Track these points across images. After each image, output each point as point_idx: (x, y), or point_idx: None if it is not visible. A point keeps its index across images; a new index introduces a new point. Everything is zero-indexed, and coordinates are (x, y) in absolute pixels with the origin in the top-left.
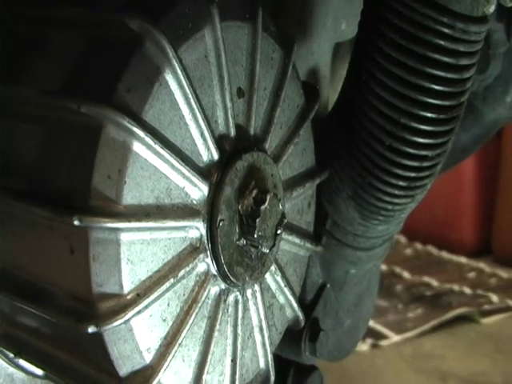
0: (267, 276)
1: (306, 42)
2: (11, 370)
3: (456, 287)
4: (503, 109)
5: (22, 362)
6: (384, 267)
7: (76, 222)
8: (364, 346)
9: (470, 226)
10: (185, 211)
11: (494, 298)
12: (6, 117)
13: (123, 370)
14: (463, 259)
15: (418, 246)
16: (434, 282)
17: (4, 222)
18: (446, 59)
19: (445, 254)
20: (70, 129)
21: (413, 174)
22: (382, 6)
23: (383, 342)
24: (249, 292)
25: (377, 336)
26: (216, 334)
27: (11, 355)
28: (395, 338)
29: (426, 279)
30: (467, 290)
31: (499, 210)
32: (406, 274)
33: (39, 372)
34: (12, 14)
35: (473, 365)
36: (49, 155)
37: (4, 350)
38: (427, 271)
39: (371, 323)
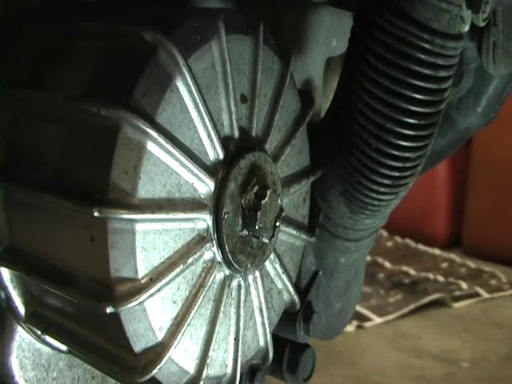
0: (267, 263)
1: (301, 56)
2: (39, 345)
3: (431, 275)
4: (474, 118)
5: (48, 339)
6: (368, 258)
7: (96, 213)
8: (350, 327)
9: (442, 222)
10: (193, 204)
11: (464, 285)
12: (34, 118)
13: (138, 346)
14: (437, 251)
15: (398, 239)
16: (412, 271)
17: (31, 212)
18: (426, 71)
19: (421, 246)
20: (90, 129)
21: (397, 174)
22: (370, 24)
23: (367, 324)
24: (250, 278)
25: (361, 318)
26: (221, 315)
27: (39, 332)
28: (378, 320)
29: (405, 268)
30: (440, 278)
31: (468, 207)
32: (387, 264)
33: (63, 347)
34: (41, 27)
35: (445, 343)
36: (72, 153)
37: (32, 328)
38: (405, 261)
39: (357, 307)
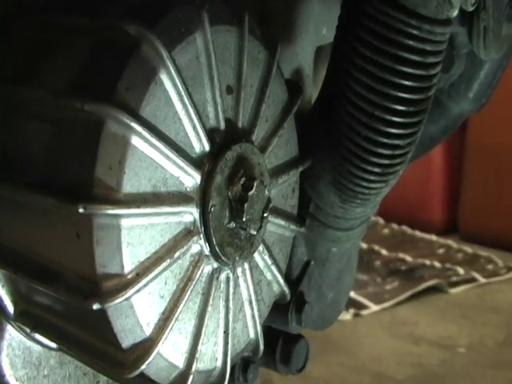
0: (255, 255)
1: (290, 45)
2: (29, 343)
3: (427, 262)
4: (466, 103)
5: (38, 336)
6: (364, 245)
7: (81, 210)
8: (347, 315)
9: (439, 208)
10: (179, 198)
11: (461, 270)
12: (18, 115)
13: (126, 342)
14: (433, 237)
15: (394, 226)
16: (408, 258)
17: (17, 210)
18: (414, 58)
19: (417, 233)
20: (75, 125)
21: (386, 162)
22: (357, 11)
23: (364, 312)
24: (239, 270)
25: (358, 306)
26: (209, 308)
27: (28, 330)
28: (374, 307)
29: (401, 255)
30: (437, 264)
31: (464, 193)
32: (384, 251)
33: (53, 345)
34: (25, 21)
35: (442, 330)
36: (57, 149)
37: (22, 326)
38: (402, 248)
39: (353, 295)
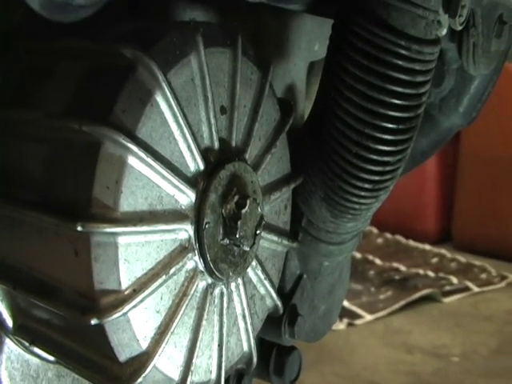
0: (249, 270)
1: (283, 61)
2: (27, 356)
3: (421, 271)
4: (456, 117)
5: (37, 350)
6: (358, 255)
7: (79, 228)
8: (341, 325)
9: (432, 218)
10: (175, 216)
11: (454, 279)
12: (18, 136)
13: (123, 356)
14: (427, 246)
15: (388, 235)
16: (402, 267)
17: (16, 228)
18: (403, 77)
19: (411, 243)
20: (72, 146)
21: (377, 178)
22: (348, 31)
23: (358, 321)
24: (233, 285)
25: (352, 316)
26: (204, 322)
27: (27, 344)
28: (368, 317)
29: (395, 265)
30: (431, 274)
31: (458, 203)
32: (378, 261)
33: (51, 358)
34: (22, 46)
35: (435, 338)
36: (54, 169)
37: (20, 339)
38: (396, 258)
39: (347, 304)
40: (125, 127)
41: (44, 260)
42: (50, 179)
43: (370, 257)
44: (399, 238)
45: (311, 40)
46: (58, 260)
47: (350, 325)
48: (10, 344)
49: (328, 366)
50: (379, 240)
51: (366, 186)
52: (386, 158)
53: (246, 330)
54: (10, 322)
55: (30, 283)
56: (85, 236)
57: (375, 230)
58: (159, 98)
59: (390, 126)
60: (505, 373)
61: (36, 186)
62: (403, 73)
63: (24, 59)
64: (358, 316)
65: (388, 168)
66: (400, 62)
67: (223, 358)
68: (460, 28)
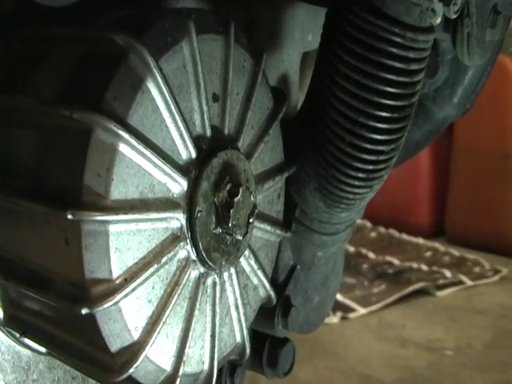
0: (242, 260)
1: (276, 51)
2: (18, 348)
3: (414, 265)
4: (451, 108)
5: (28, 341)
6: (351, 249)
7: (70, 216)
8: (334, 319)
9: (426, 211)
10: (166, 204)
11: (448, 273)
12: (8, 123)
13: (114, 346)
14: (420, 240)
15: (381, 229)
16: (396, 261)
17: (7, 217)
18: (397, 65)
19: (404, 236)
20: (63, 133)
21: (370, 167)
22: (341, 19)
23: (351, 315)
24: (225, 275)
25: (346, 309)
26: (196, 312)
27: (18, 335)
28: (362, 310)
29: (389, 258)
30: (424, 267)
31: (451, 197)
32: (371, 255)
33: (43, 350)
34: (15, 33)
35: (429, 332)
36: (45, 157)
37: (11, 331)
38: (389, 251)
39: (341, 298)
40: (116, 114)
41: (35, 249)
42: (40, 167)
43: (364, 250)
44: (392, 231)
45: (304, 31)
46: (49, 249)
47: (343, 318)
48: (0, 335)
49: (321, 360)
50: (372, 234)
51: (360, 175)
52: (379, 147)
53: (239, 321)
54: (0, 313)
55: (21, 273)
56: (75, 224)
57: (369, 224)
58: (151, 85)
59: (384, 114)
60: (498, 366)
61: (27, 173)
62: (397, 61)
63: (15, 46)
64: (352, 309)
65: (382, 157)
66: (394, 50)
67: (216, 349)
68: (454, 16)
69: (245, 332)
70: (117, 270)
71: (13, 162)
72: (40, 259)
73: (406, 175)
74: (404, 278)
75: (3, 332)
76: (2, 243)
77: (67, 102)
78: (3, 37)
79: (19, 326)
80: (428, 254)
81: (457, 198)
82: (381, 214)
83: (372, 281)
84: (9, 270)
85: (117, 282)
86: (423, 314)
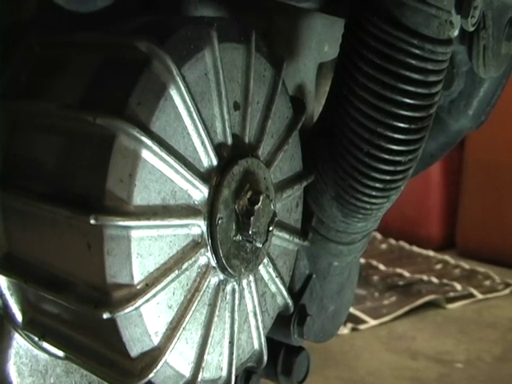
0: (260, 268)
1: (293, 61)
2: (36, 351)
3: (425, 277)
4: (466, 120)
5: (46, 345)
6: (362, 260)
7: (92, 221)
8: (345, 330)
9: (436, 224)
10: (188, 211)
11: (458, 286)
12: (32, 128)
13: (134, 351)
14: (431, 252)
15: (392, 241)
16: (406, 273)
17: (28, 221)
18: (416, 76)
19: (415, 249)
20: (86, 138)
21: (388, 177)
22: (361, 30)
23: (362, 326)
24: (244, 282)
25: (356, 321)
26: (215, 319)
27: (36, 339)
28: (372, 322)
29: (399, 270)
30: (434, 280)
31: (462, 209)
32: (382, 266)
33: (61, 354)
34: (37, 38)
35: (439, 345)
36: (68, 162)
37: (30, 334)
38: (400, 263)
39: (351, 309)
40: (139, 120)
41: (56, 253)
42: (63, 171)
43: (374, 262)
44: (403, 243)
45: (321, 41)
46: (71, 253)
47: (353, 329)
48: (19, 339)
49: (332, 371)
50: (383, 245)
51: (378, 185)
52: (397, 158)
53: (257, 328)
54: (19, 317)
55: (41, 277)
56: (98, 229)
57: (379, 236)
58: (173, 92)
59: (402, 125)
60: (509, 380)
61: (49, 178)
62: (416, 72)
63: (37, 51)
64: (362, 321)
65: (399, 168)
66: (413, 61)
67: (234, 355)
68: (472, 29)
69: (262, 339)
70: (138, 275)
71: (35, 167)
72: (61, 263)
73: (416, 187)
74: (414, 290)
75: (22, 335)
76: (23, 247)
77: (90, 108)
78: (25, 41)
79: (38, 329)
80: (438, 266)
81: (467, 211)
82: (391, 225)
83: (382, 292)
84: (29, 274)
85: (138, 287)
86: (433, 326)
